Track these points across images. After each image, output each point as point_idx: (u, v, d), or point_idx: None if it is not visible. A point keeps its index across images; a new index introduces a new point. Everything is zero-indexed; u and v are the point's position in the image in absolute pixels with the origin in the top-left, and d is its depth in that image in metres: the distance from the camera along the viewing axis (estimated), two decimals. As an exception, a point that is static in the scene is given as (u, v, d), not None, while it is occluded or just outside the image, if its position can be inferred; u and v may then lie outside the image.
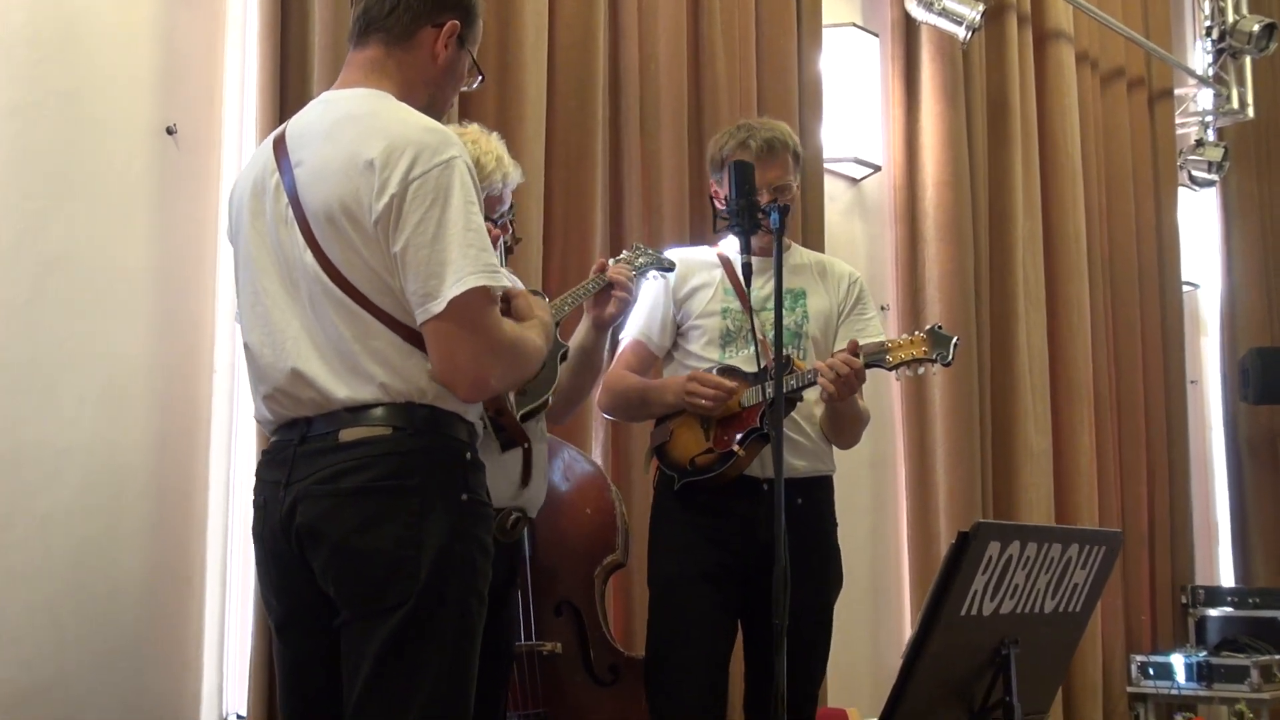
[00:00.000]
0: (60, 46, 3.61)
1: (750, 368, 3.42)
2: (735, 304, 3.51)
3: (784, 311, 3.49)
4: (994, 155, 6.75)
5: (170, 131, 3.96)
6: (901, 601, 6.24)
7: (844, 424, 3.53)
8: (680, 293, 3.58)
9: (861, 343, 3.34)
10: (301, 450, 2.31)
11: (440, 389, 2.28)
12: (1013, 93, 6.82)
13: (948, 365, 3.26)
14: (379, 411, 2.27)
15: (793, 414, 3.44)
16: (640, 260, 3.42)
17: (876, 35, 6.32)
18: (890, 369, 3.30)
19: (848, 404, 3.40)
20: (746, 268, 2.92)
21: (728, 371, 3.43)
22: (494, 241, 3.14)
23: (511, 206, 3.27)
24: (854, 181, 6.34)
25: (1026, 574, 2.48)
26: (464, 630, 2.28)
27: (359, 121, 2.30)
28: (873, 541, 6.24)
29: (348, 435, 2.27)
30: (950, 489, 6.26)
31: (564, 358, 3.21)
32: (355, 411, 2.27)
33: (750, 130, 3.54)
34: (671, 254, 3.68)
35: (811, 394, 3.45)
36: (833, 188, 6.13)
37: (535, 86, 4.73)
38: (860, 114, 6.21)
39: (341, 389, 2.27)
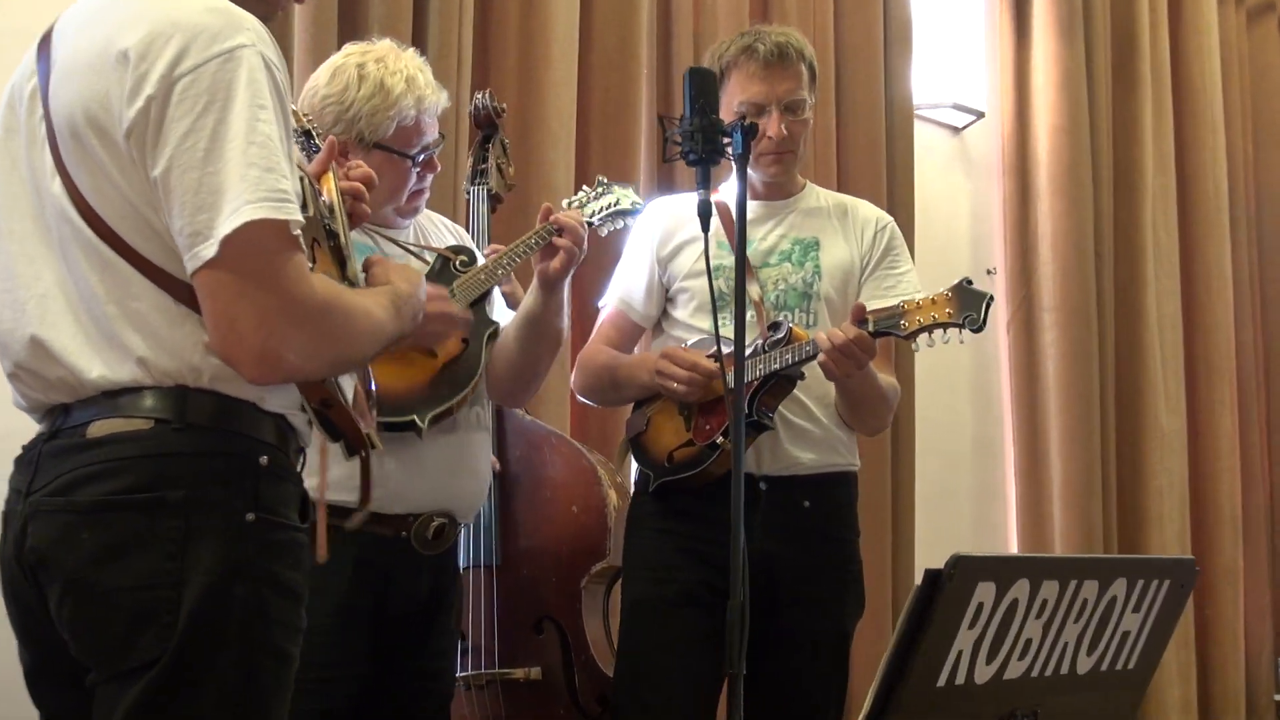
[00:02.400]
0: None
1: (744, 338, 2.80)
2: (729, 259, 2.87)
3: (791, 266, 2.89)
4: (1119, 99, 6.02)
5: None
6: (1009, 603, 5.57)
7: (859, 405, 2.88)
8: (665, 249, 2.95)
9: (873, 305, 2.70)
10: (47, 448, 1.75)
11: (225, 369, 1.70)
12: (1141, 27, 6.05)
13: (978, 331, 2.60)
14: (140, 398, 1.70)
15: (797, 395, 2.82)
16: (601, 201, 2.82)
17: (982, -33, 5.64)
18: (906, 337, 2.65)
19: (861, 381, 2.77)
20: (704, 205, 2.28)
21: (710, 345, 2.82)
22: (412, 181, 2.65)
23: (441, 137, 2.73)
24: (955, 130, 5.68)
25: (1044, 623, 1.82)
26: (250, 700, 1.71)
27: (124, 3, 1.73)
28: (976, 534, 5.64)
29: (97, 430, 1.71)
30: (1066, 476, 5.63)
31: (493, 338, 2.66)
32: (114, 397, 1.71)
33: (758, 34, 2.90)
34: (659, 203, 3.06)
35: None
36: (928, 137, 5.51)
37: (565, 24, 4.16)
38: (960, 54, 5.55)
39: (94, 366, 1.71)
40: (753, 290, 2.82)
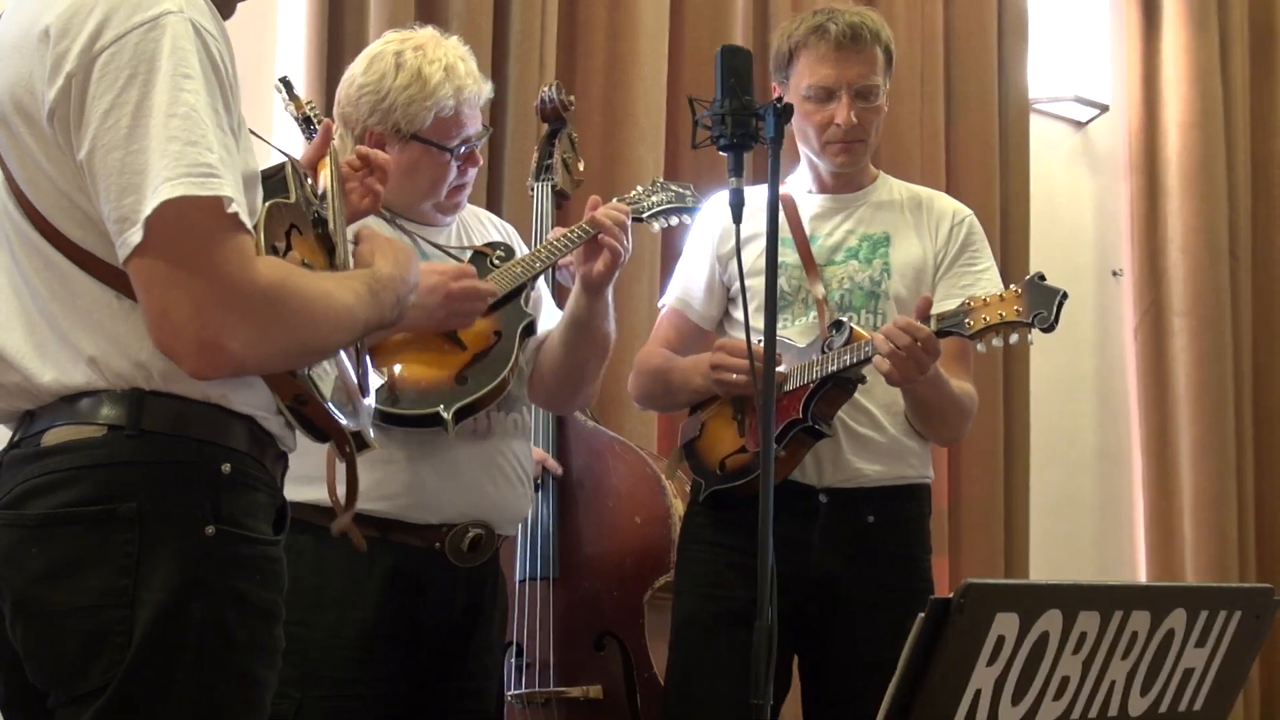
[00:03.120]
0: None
1: (807, 340, 2.62)
2: (793, 256, 2.70)
3: (859, 264, 2.70)
4: (1257, 91, 5.69)
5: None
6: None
7: (928, 412, 2.66)
8: (725, 246, 2.72)
9: (939, 304, 2.50)
10: (7, 458, 1.65)
11: (174, 367, 1.56)
12: (1281, 14, 5.72)
13: (1048, 330, 2.38)
14: (98, 403, 1.59)
15: (862, 402, 2.62)
16: (654, 199, 2.67)
17: (1107, -46, 5.36)
18: (971, 337, 2.43)
19: (929, 386, 2.54)
20: (737, 195, 2.11)
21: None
22: (455, 176, 2.53)
23: (487, 129, 2.59)
24: (1078, 125, 5.42)
25: (1085, 660, 1.62)
26: None
27: None
28: (1100, 550, 5.39)
29: (51, 438, 1.60)
30: (1197, 488, 5.34)
31: (528, 332, 2.50)
32: (73, 403, 1.60)
33: (831, 13, 2.67)
34: (720, 197, 2.89)
35: None
36: (1049, 133, 5.28)
37: (654, 17, 4.04)
38: (1082, 45, 5.28)
39: (47, 370, 1.60)
40: (817, 289, 2.64)
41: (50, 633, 1.57)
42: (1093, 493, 5.36)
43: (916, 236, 2.72)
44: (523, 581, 3.00)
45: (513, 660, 2.93)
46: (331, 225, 1.84)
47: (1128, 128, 5.48)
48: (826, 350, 2.52)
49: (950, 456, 4.71)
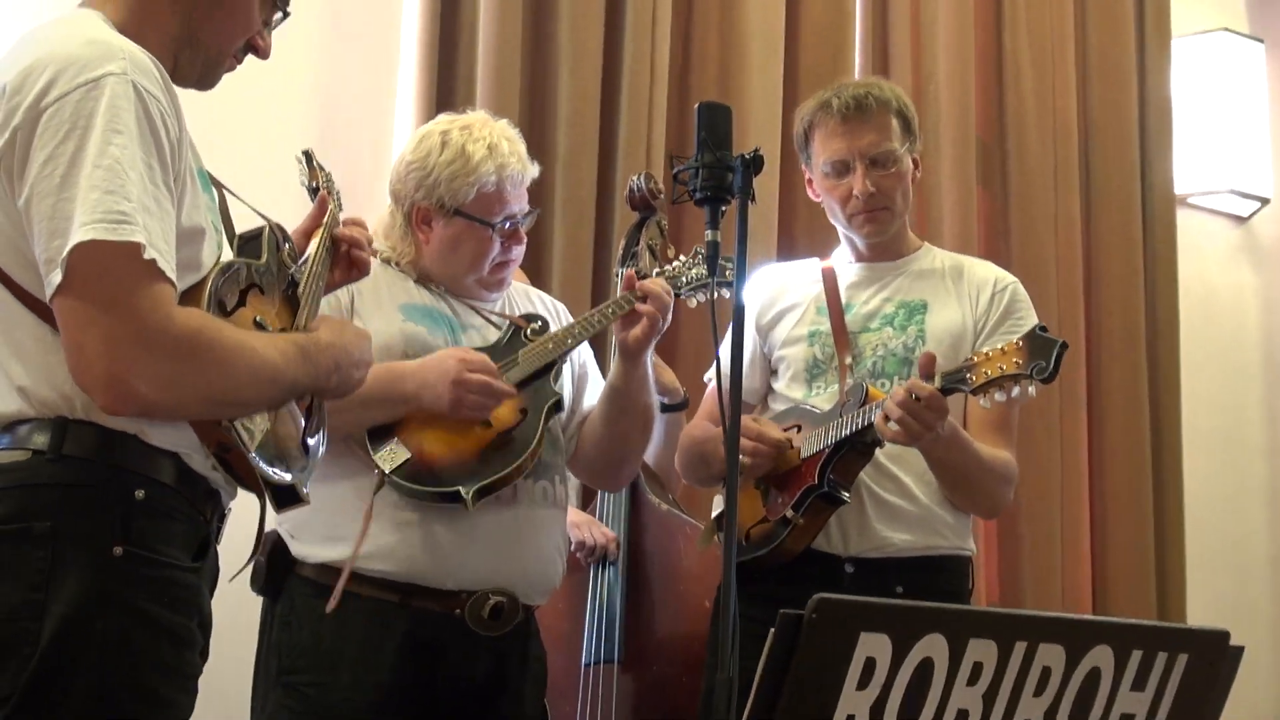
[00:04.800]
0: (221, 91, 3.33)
1: (828, 408, 2.59)
2: (827, 325, 2.68)
3: (893, 331, 2.66)
4: None
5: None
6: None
7: (955, 479, 2.58)
8: (765, 318, 2.74)
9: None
10: None
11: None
12: None
13: (1048, 382, 2.31)
14: (31, 430, 1.68)
15: (893, 470, 2.57)
16: (694, 271, 2.65)
17: (1262, 41, 5.19)
18: (974, 392, 2.38)
19: (948, 448, 2.48)
20: (712, 246, 2.13)
21: (795, 415, 2.61)
22: (499, 253, 2.55)
23: (533, 210, 2.62)
24: (1239, 220, 5.22)
25: (983, 694, 1.52)
26: None
27: (20, 43, 1.75)
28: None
29: None
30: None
31: (555, 409, 2.50)
32: (10, 431, 1.69)
33: (838, 87, 2.70)
34: (765, 271, 2.89)
35: None
36: (1204, 228, 5.13)
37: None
38: (1236, 136, 5.10)
39: None
40: (845, 358, 2.62)
41: None
42: (1269, 601, 5.07)
43: (956, 303, 2.68)
44: (588, 665, 2.98)
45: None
46: (301, 288, 1.93)
47: (1294, 221, 5.28)
48: (842, 414, 2.49)
49: (1094, 557, 4.55)
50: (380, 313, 2.48)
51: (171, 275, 1.64)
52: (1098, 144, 4.76)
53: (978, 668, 1.53)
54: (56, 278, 1.59)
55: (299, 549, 2.42)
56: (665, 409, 3.05)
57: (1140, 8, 4.90)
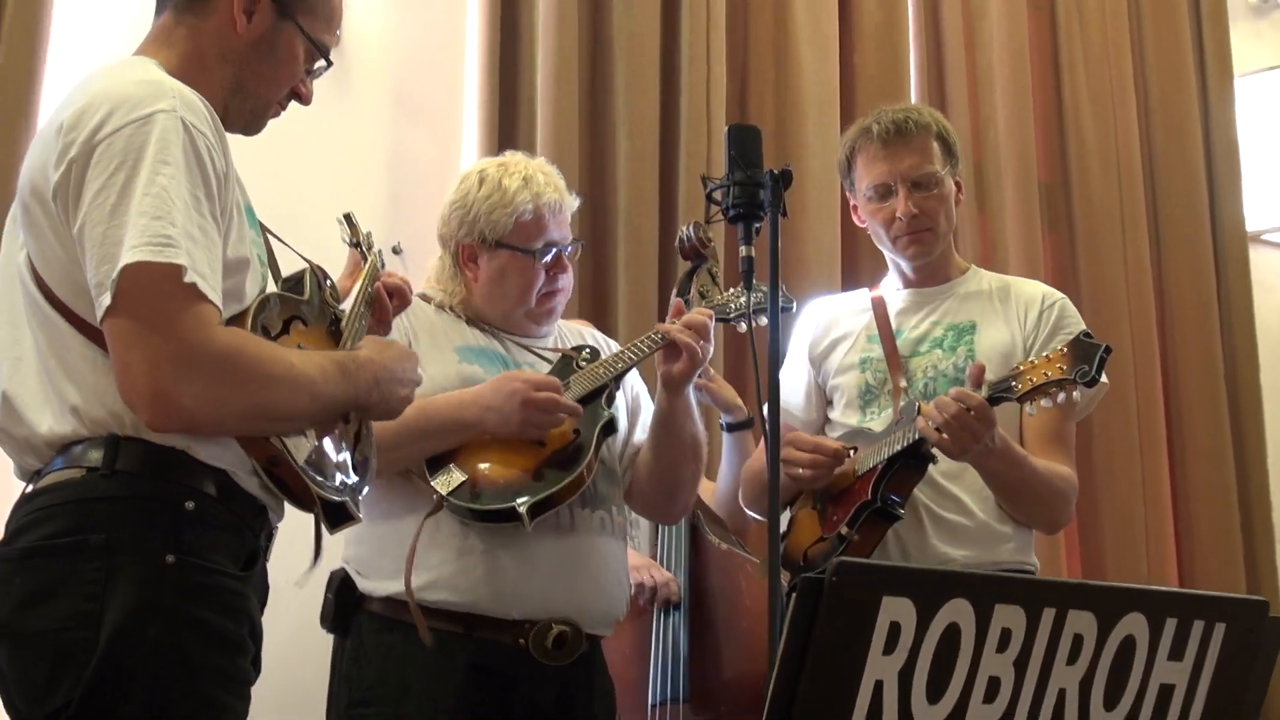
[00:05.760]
0: (289, 162, 3.46)
1: (882, 429, 2.61)
2: (878, 350, 2.71)
3: (943, 353, 2.68)
4: None
5: (396, 251, 3.76)
6: None
7: (1010, 490, 2.57)
8: (818, 349, 2.77)
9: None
10: (15, 505, 1.84)
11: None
12: None
13: (1091, 385, 2.31)
14: (85, 449, 1.75)
15: (950, 488, 2.57)
16: (743, 299, 2.61)
17: (1329, 76, 5.18)
18: (1020, 400, 2.38)
19: (1000, 461, 2.48)
20: (745, 262, 2.18)
21: (851, 437, 2.63)
22: (545, 283, 2.61)
23: (577, 242, 2.69)
24: (1314, 254, 5.17)
25: (1015, 660, 1.54)
26: None
27: (77, 86, 1.86)
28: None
29: (44, 481, 1.76)
30: None
31: (608, 430, 2.53)
32: (66, 452, 1.78)
33: (878, 113, 2.73)
34: (816, 303, 2.92)
35: None
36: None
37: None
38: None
39: (45, 420, 1.77)
40: (899, 381, 2.64)
41: (25, 655, 1.73)
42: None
43: (1004, 322, 2.70)
44: (654, 706, 2.98)
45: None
46: (344, 323, 2.02)
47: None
48: (895, 432, 2.52)
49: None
50: (437, 356, 2.54)
51: (214, 299, 1.72)
52: (1164, 184, 4.76)
53: (1006, 634, 1.53)
54: (106, 300, 1.68)
55: (365, 585, 2.47)
56: (731, 428, 3.08)
57: (1200, 48, 4.92)
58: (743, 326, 2.69)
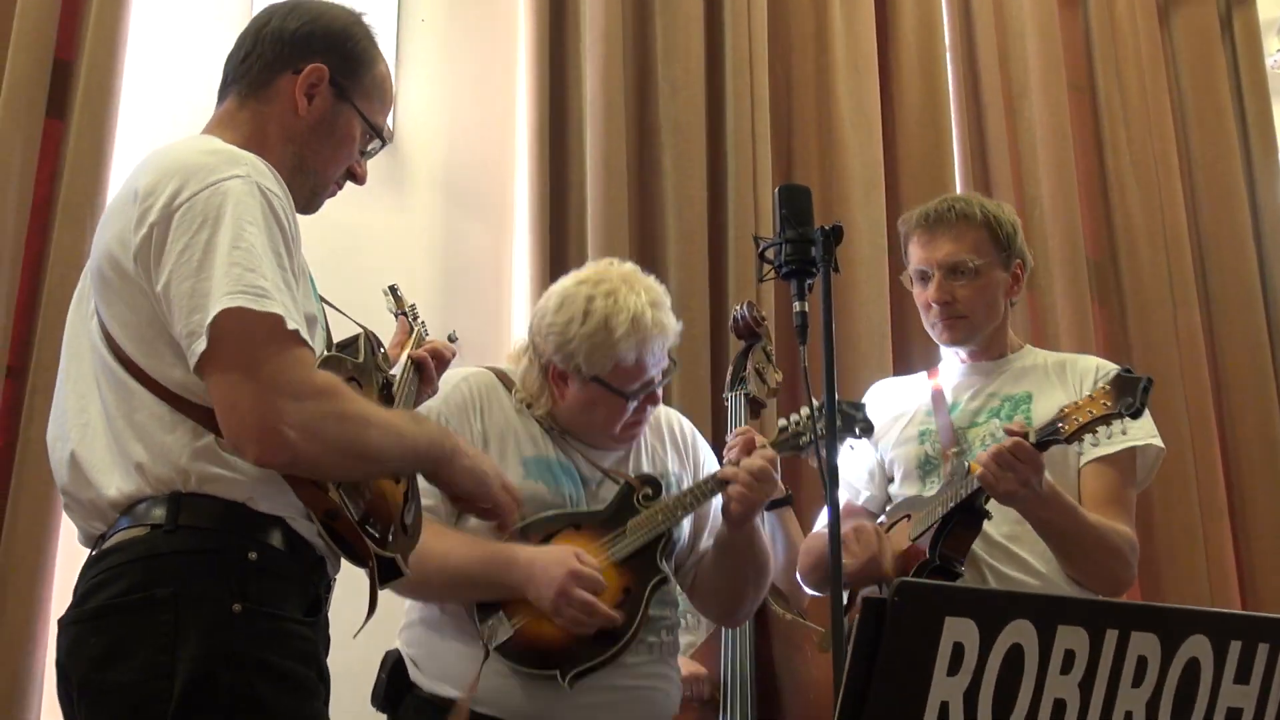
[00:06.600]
0: (347, 255, 3.53)
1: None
2: (934, 424, 2.75)
3: (1000, 421, 2.70)
4: None
5: (451, 339, 3.84)
6: None
7: (1064, 542, 2.57)
8: (878, 425, 2.79)
9: (1097, 449, 2.52)
10: (84, 567, 1.89)
11: (208, 470, 1.79)
12: None
13: (1137, 416, 2.34)
14: (149, 507, 1.80)
15: (1014, 550, 2.58)
16: (806, 436, 2.61)
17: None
18: (1067, 441, 2.40)
19: (1051, 508, 2.49)
20: (800, 316, 2.20)
21: (906, 506, 2.64)
22: (628, 414, 2.55)
23: (671, 367, 2.61)
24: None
25: (1079, 682, 1.54)
26: None
27: (147, 159, 1.94)
28: None
29: (111, 541, 1.83)
30: None
31: (660, 585, 2.49)
32: (130, 511, 1.84)
33: (940, 199, 2.80)
34: (878, 386, 2.96)
35: None
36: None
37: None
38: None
39: (113, 482, 1.83)
40: (953, 449, 2.67)
41: (105, 710, 1.76)
42: None
43: (1060, 390, 2.72)
44: (722, 778, 2.98)
45: None
46: (395, 388, 2.10)
47: None
48: (947, 491, 2.53)
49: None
50: (503, 466, 2.46)
51: (312, 345, 1.79)
52: (1212, 255, 4.77)
53: (1069, 656, 1.53)
54: (200, 346, 1.73)
55: (416, 676, 2.48)
56: (770, 506, 3.09)
57: (1243, 119, 4.96)
58: (814, 462, 2.66)
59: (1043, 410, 2.68)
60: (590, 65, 3.85)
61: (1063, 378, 2.76)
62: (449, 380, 2.54)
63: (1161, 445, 2.66)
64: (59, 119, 3.30)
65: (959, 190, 4.37)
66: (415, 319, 2.38)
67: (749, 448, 2.52)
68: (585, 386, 2.52)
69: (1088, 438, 2.46)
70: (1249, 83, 5.01)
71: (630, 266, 2.60)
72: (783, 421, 2.71)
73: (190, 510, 1.80)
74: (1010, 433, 2.41)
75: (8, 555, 3.05)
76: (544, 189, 3.79)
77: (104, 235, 1.90)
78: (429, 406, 2.48)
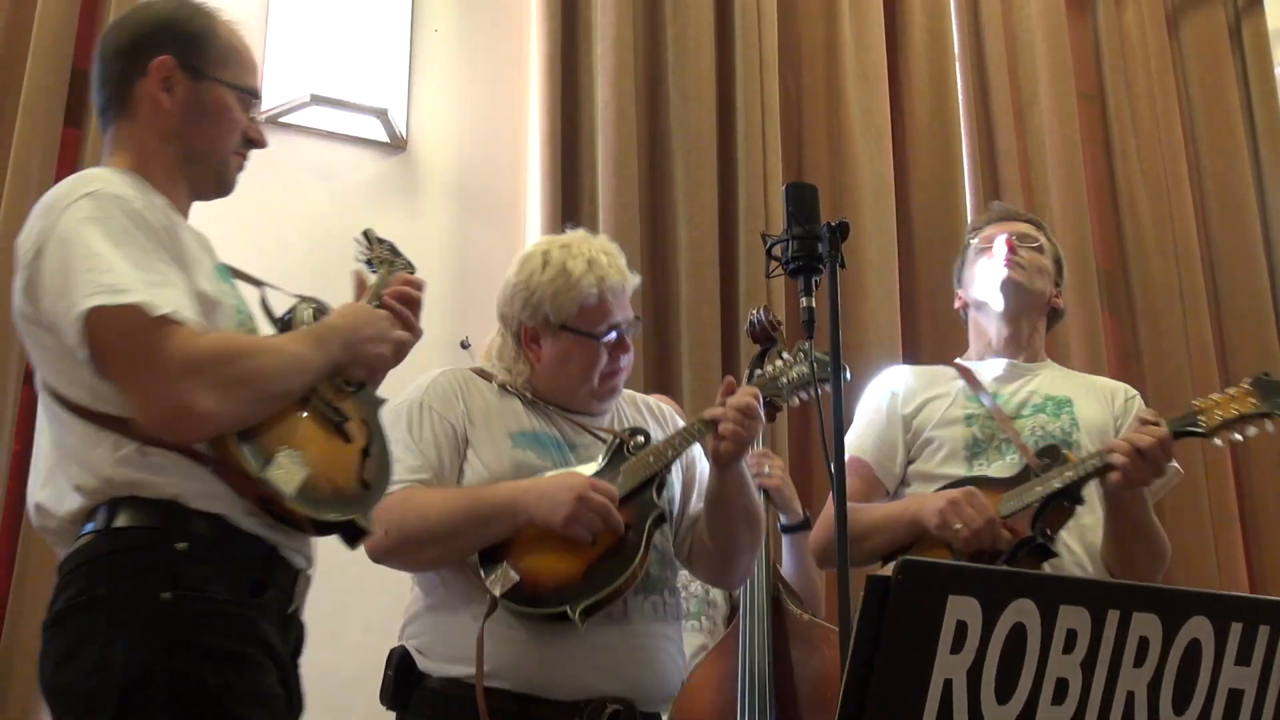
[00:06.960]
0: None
1: (1011, 474, 2.66)
2: (981, 408, 2.77)
3: (1047, 417, 2.75)
4: None
5: (464, 345, 3.85)
6: None
7: (1132, 536, 2.61)
8: (909, 407, 2.83)
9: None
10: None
11: (133, 476, 1.87)
12: None
13: None
14: (88, 521, 1.90)
15: (1061, 535, 2.60)
16: (795, 372, 2.65)
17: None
18: (1207, 434, 2.48)
19: (1139, 509, 2.57)
20: (807, 312, 2.23)
21: (978, 484, 2.65)
22: (608, 363, 2.62)
23: (637, 319, 2.70)
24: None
25: (1082, 662, 1.55)
26: None
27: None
28: None
29: (66, 555, 1.91)
30: None
31: (659, 522, 2.52)
32: (79, 524, 1.92)
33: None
34: (896, 369, 2.97)
35: (1089, 514, 2.64)
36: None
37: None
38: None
39: (63, 506, 1.92)
40: (1013, 432, 2.72)
41: (62, 709, 1.85)
42: None
43: (1096, 402, 2.80)
44: (741, 779, 2.99)
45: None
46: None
47: None
48: (1047, 473, 2.56)
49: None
50: (491, 443, 2.56)
51: (188, 320, 1.84)
52: (1223, 263, 4.79)
53: (1072, 635, 1.54)
54: (83, 353, 1.82)
55: (425, 664, 2.49)
56: (786, 529, 3.11)
57: (1252, 128, 4.98)
58: (795, 400, 2.71)
59: (1085, 416, 2.76)
60: (601, 74, 3.89)
61: (1093, 391, 2.84)
62: (425, 378, 2.60)
63: (1180, 468, 2.72)
64: (77, 127, 3.35)
65: (968, 198, 4.40)
66: (390, 264, 2.36)
67: (731, 389, 2.56)
68: (557, 338, 2.59)
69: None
70: (1258, 91, 5.04)
71: (583, 231, 2.73)
72: (760, 371, 2.73)
73: (124, 513, 1.88)
74: (1145, 422, 2.47)
75: (26, 558, 3.09)
76: (555, 196, 3.82)
77: (12, 283, 1.98)
78: (406, 400, 2.54)
